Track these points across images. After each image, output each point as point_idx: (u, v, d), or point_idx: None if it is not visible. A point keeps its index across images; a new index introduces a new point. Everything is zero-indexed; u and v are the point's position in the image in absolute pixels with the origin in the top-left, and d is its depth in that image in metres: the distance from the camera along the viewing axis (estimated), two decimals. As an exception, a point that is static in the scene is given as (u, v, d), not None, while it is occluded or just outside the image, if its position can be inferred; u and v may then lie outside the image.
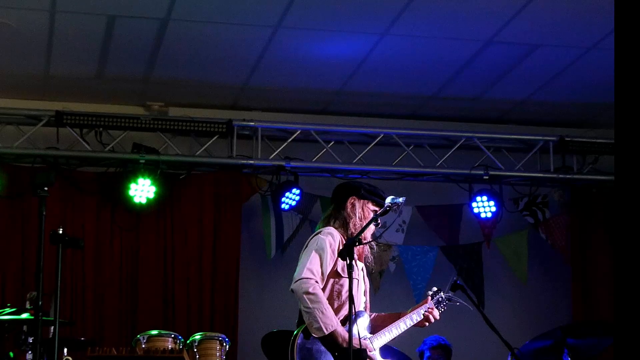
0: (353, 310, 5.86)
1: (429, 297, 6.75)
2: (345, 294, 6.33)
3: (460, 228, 10.65)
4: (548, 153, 10.65)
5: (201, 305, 9.85)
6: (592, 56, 9.17)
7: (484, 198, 10.37)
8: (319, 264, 6.26)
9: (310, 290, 6.13)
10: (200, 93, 10.09)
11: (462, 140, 10.53)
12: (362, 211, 6.53)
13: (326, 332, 6.09)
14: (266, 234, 10.20)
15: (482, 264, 10.57)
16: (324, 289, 6.27)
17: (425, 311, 6.62)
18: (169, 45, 8.91)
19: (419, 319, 6.61)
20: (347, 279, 6.29)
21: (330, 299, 6.26)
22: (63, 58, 9.19)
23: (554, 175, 10.66)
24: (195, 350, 7.56)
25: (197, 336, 7.67)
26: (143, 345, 7.46)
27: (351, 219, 6.48)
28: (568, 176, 10.67)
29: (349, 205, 6.53)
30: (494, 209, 10.39)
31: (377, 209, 6.52)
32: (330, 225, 6.49)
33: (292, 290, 6.23)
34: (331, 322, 6.12)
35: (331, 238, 6.35)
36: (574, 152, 10.69)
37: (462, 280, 7.64)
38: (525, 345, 7.91)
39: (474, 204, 10.41)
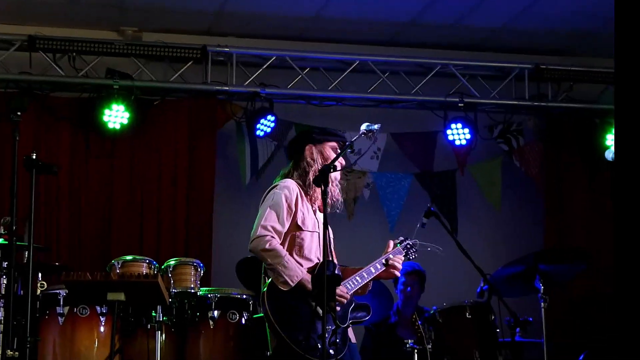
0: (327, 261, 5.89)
1: (390, 243, 6.74)
2: (307, 248, 6.34)
3: (435, 155, 10.67)
4: (523, 81, 10.66)
5: (176, 231, 9.88)
6: (569, -17, 9.15)
7: (459, 125, 10.39)
8: (275, 219, 6.22)
9: (267, 247, 6.12)
10: (174, 18, 10.01)
11: (438, 68, 10.51)
12: (322, 154, 6.49)
13: (293, 284, 6.10)
14: (241, 160, 10.20)
15: (456, 191, 10.62)
16: (284, 243, 6.25)
17: (387, 259, 6.61)
18: (142, -31, 8.84)
19: (380, 269, 6.56)
20: (309, 232, 6.31)
21: (291, 253, 6.26)
22: (35, -19, 9.10)
23: (529, 103, 10.68)
24: (169, 275, 7.59)
25: (172, 261, 7.69)
26: (117, 270, 7.48)
27: (312, 166, 6.43)
28: (543, 104, 10.70)
29: (307, 153, 6.48)
30: (468, 136, 10.41)
31: (336, 145, 6.50)
32: (289, 175, 6.45)
33: (250, 250, 6.23)
34: (295, 272, 6.12)
35: (287, 191, 6.30)
36: (549, 79, 10.69)
37: (436, 207, 7.66)
38: (497, 271, 7.97)
39: (448, 132, 10.42)
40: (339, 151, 6.46)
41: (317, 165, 6.41)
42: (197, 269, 7.69)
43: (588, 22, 10.15)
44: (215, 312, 7.54)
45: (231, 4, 9.62)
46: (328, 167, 6.06)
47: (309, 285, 6.15)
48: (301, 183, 6.42)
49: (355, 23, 10.19)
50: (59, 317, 7.36)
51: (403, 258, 6.73)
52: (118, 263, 7.56)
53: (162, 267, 7.67)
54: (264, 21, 10.13)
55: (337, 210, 6.51)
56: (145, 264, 7.60)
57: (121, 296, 6.57)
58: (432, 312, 7.97)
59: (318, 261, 6.34)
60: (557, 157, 10.84)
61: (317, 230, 6.39)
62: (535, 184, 10.81)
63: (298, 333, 6.08)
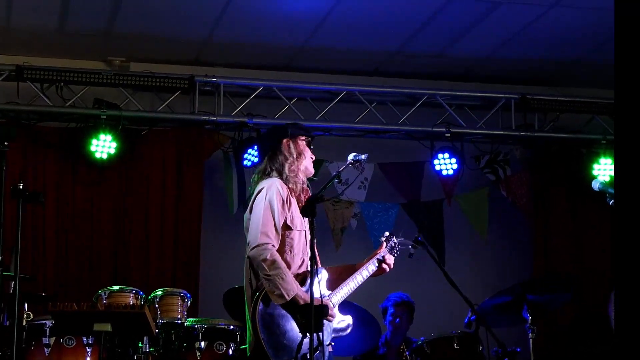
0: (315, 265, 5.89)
1: (383, 244, 6.77)
2: (296, 246, 6.32)
3: (422, 185, 10.69)
4: (510, 111, 10.69)
5: (163, 261, 9.85)
6: (555, 13, 9.19)
7: (446, 155, 10.41)
8: (272, 225, 6.17)
9: (269, 257, 6.06)
10: (162, 48, 10.03)
11: (425, 98, 10.54)
12: (297, 148, 6.49)
13: (288, 299, 6.05)
14: (228, 190, 10.19)
15: (444, 221, 10.63)
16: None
17: (378, 258, 6.63)
18: (130, -1, 8.85)
19: (374, 269, 6.63)
20: (297, 231, 6.30)
21: (282, 253, 6.22)
22: (24, 11, 9.10)
23: (516, 133, 10.70)
24: (156, 305, 7.58)
25: (159, 292, 7.69)
26: (104, 301, 7.47)
27: (288, 159, 6.40)
28: (529, 134, 10.72)
29: (284, 147, 6.45)
30: (455, 166, 10.43)
31: (305, 139, 6.51)
32: (268, 177, 6.40)
33: (249, 257, 6.15)
34: (291, 287, 6.08)
35: (279, 194, 6.26)
36: (535, 109, 10.73)
37: (423, 237, 7.67)
38: (485, 301, 7.97)
39: (435, 161, 10.44)
40: (308, 147, 6.49)
41: (293, 159, 6.40)
42: (184, 300, 7.68)
43: (574, 52, 10.20)
44: (202, 343, 7.53)
45: (218, 34, 9.64)
46: (315, 198, 6.06)
47: (302, 302, 6.09)
48: (287, 181, 6.39)
49: (342, 53, 10.22)
50: (45, 348, 7.33)
51: (393, 257, 6.75)
52: (105, 293, 7.55)
53: (149, 297, 7.66)
54: (252, 51, 10.16)
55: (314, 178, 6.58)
56: (132, 295, 7.59)
57: (108, 327, 6.54)
58: (419, 342, 7.97)
59: (304, 261, 6.32)
60: (544, 187, 10.87)
61: (303, 228, 6.37)
62: (522, 214, 10.82)
63: (281, 350, 6.05)
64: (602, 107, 10.65)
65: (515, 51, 10.15)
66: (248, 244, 6.17)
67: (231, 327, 7.70)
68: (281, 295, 6.05)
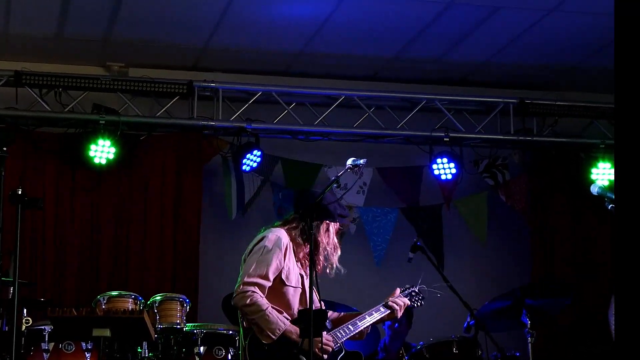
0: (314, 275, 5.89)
1: (397, 291, 6.74)
2: (289, 302, 6.33)
3: (421, 190, 10.68)
4: (508, 115, 10.70)
5: (162, 266, 9.84)
6: (554, 18, 9.19)
7: (445, 160, 10.41)
8: (261, 274, 6.20)
9: (248, 302, 6.12)
10: (160, 54, 10.03)
11: (423, 102, 10.55)
12: (329, 232, 6.50)
13: (275, 337, 6.09)
14: (227, 195, 10.19)
15: (442, 225, 10.63)
16: (270, 294, 6.23)
17: (389, 302, 6.61)
18: (129, 4, 8.84)
19: (385, 312, 6.60)
20: (292, 288, 6.30)
21: (280, 305, 6.26)
22: (22, 17, 9.10)
23: (514, 138, 10.71)
24: (155, 311, 7.57)
25: (158, 297, 7.68)
26: (103, 306, 7.47)
27: (321, 243, 6.42)
28: (528, 138, 10.72)
29: (322, 229, 6.44)
30: (454, 170, 10.43)
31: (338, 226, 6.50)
32: (284, 227, 6.42)
33: (233, 305, 6.23)
34: (277, 325, 6.11)
35: (277, 246, 6.28)
36: (534, 114, 10.73)
37: (422, 241, 7.67)
38: (484, 305, 7.97)
39: (434, 166, 10.44)
40: (339, 232, 6.49)
41: (327, 242, 6.44)
42: (183, 305, 7.68)
43: (572, 56, 10.21)
44: (202, 348, 7.52)
45: (217, 39, 9.65)
46: (316, 202, 6.06)
47: (294, 336, 6.11)
48: (294, 236, 6.39)
49: (341, 58, 10.22)
50: (44, 354, 7.34)
51: (408, 302, 6.71)
52: (104, 299, 7.55)
53: (148, 302, 7.66)
54: (250, 56, 10.16)
55: (328, 272, 6.53)
56: (131, 300, 7.59)
57: (107, 332, 6.54)
58: (419, 347, 7.96)
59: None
60: (542, 191, 10.86)
61: (299, 286, 6.40)
62: (521, 218, 10.82)
63: None
64: (601, 111, 10.66)
65: (514, 56, 10.15)
66: (234, 291, 6.25)
67: (230, 332, 7.70)
68: (268, 336, 6.11)
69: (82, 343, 7.35)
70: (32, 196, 6.40)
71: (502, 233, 10.94)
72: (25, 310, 7.47)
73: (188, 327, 7.63)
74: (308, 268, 6.24)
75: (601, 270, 10.60)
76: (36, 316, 7.61)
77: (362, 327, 6.53)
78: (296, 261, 6.41)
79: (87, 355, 7.35)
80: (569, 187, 10.81)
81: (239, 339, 7.50)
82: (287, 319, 6.20)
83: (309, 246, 6.25)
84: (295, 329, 6.10)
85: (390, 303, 6.62)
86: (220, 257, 10.13)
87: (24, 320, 7.38)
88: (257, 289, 6.16)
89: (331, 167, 10.23)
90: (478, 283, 10.45)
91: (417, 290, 6.84)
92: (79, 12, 9.01)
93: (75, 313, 6.58)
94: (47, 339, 7.34)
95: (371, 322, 6.58)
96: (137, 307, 7.49)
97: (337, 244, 6.54)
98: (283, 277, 6.28)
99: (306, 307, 6.17)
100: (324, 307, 6.39)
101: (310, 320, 5.80)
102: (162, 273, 9.82)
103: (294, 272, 6.36)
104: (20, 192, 6.26)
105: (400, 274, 9.42)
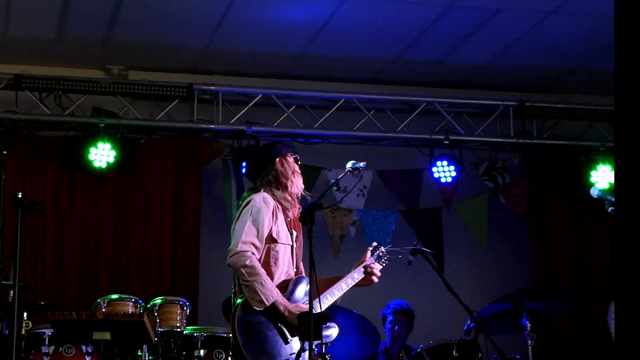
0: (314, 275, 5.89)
1: (368, 252, 6.75)
2: (281, 259, 6.35)
3: (421, 192, 10.68)
4: (508, 118, 10.70)
5: (162, 270, 9.84)
6: (553, 21, 9.19)
7: (444, 163, 10.42)
8: (255, 235, 6.24)
9: (247, 263, 6.13)
10: (160, 57, 10.03)
11: (423, 105, 10.55)
12: (290, 166, 6.53)
13: (267, 304, 6.10)
14: (227, 198, 10.19)
15: (442, 228, 10.63)
16: (260, 256, 6.27)
17: (365, 266, 6.62)
18: (128, 7, 8.85)
19: (360, 277, 6.61)
20: (283, 245, 6.33)
21: (267, 265, 6.27)
22: (22, 20, 9.10)
23: (514, 140, 10.71)
24: (155, 314, 7.57)
25: (158, 300, 7.68)
26: (103, 310, 7.46)
27: (281, 176, 6.47)
28: (528, 141, 10.72)
29: (278, 165, 6.50)
30: (454, 173, 10.44)
31: (295, 157, 6.53)
32: (257, 192, 6.45)
33: (228, 265, 6.23)
34: (271, 293, 6.13)
35: (265, 206, 6.31)
36: (533, 117, 10.74)
37: (422, 244, 7.66)
38: (484, 308, 7.96)
39: (434, 169, 10.45)
40: (297, 162, 6.51)
41: (287, 176, 6.47)
42: (183, 308, 7.67)
43: (572, 59, 10.21)
44: (202, 352, 7.52)
45: (217, 42, 9.65)
46: (314, 206, 6.06)
47: (281, 308, 6.15)
48: (276, 195, 6.43)
49: (341, 61, 10.23)
50: (44, 357, 7.33)
51: (380, 266, 6.72)
52: (104, 302, 7.55)
53: (148, 305, 7.65)
54: (250, 59, 10.16)
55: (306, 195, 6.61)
56: (131, 303, 7.59)
57: (107, 335, 6.53)
58: (419, 350, 7.95)
59: (289, 274, 6.39)
60: (542, 194, 10.86)
61: (289, 242, 6.42)
62: (521, 221, 10.82)
63: (261, 355, 6.06)
64: (601, 114, 10.66)
65: (514, 59, 10.15)
66: (229, 251, 6.25)
67: (230, 335, 7.68)
68: (261, 301, 6.11)
69: (83, 346, 7.35)
70: (32, 199, 6.40)
71: (502, 235, 10.94)
72: (25, 314, 7.46)
73: (188, 330, 7.62)
74: (297, 230, 6.46)
75: (601, 272, 10.60)
76: (36, 319, 7.61)
77: (344, 291, 6.53)
78: (285, 219, 6.43)
79: (87, 358, 7.34)
80: (569, 189, 10.81)
81: None
82: (279, 291, 6.21)
83: (294, 204, 6.43)
84: (284, 302, 6.16)
85: (371, 270, 6.60)
86: (220, 260, 10.05)
87: (24, 324, 7.38)
88: (254, 250, 6.20)
89: (331, 170, 10.23)
90: (478, 286, 10.45)
91: (384, 251, 6.82)
92: (79, 15, 9.01)
93: (76, 316, 6.57)
94: (47, 343, 7.34)
95: (352, 285, 6.57)
96: (137, 310, 7.49)
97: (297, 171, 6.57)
98: (274, 235, 6.32)
99: (294, 265, 6.37)
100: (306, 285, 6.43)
101: (310, 323, 5.81)
102: (162, 276, 9.82)
103: (283, 230, 6.39)
104: (20, 196, 6.25)
105: (400, 276, 9.43)
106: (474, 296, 8.83)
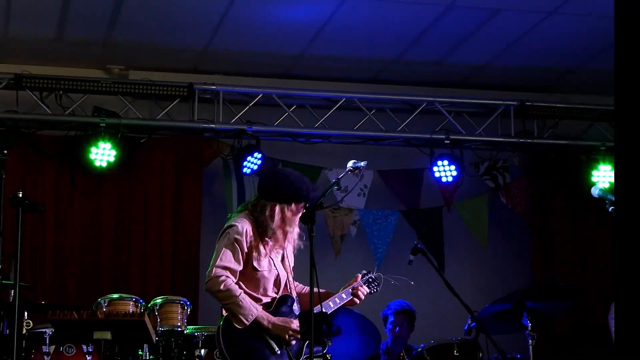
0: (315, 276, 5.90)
1: (359, 276, 6.73)
2: (262, 286, 6.34)
3: (421, 192, 10.68)
4: (509, 117, 10.70)
5: (162, 269, 9.84)
6: (553, 21, 9.19)
7: (445, 162, 10.41)
8: (231, 258, 6.22)
9: (222, 287, 6.12)
10: (161, 56, 10.03)
11: (424, 105, 10.55)
12: (282, 214, 6.40)
13: (247, 323, 6.14)
14: (228, 197, 10.19)
15: (443, 228, 10.62)
16: (240, 281, 6.24)
17: (353, 288, 6.61)
18: (129, 7, 8.85)
19: (347, 298, 6.59)
20: (266, 272, 6.30)
21: (252, 290, 6.28)
22: (22, 20, 9.11)
23: (515, 140, 10.71)
24: (156, 313, 7.57)
25: (159, 299, 7.68)
26: (104, 309, 7.46)
27: (269, 224, 6.35)
28: (528, 140, 10.72)
29: (269, 209, 6.37)
30: (454, 173, 10.43)
31: (300, 206, 6.45)
32: (247, 213, 6.40)
33: (206, 290, 6.22)
34: (250, 311, 6.14)
35: (243, 231, 6.26)
36: (534, 116, 10.74)
37: (422, 244, 7.66)
38: (485, 308, 7.97)
39: (435, 168, 10.45)
40: (299, 211, 6.43)
41: (274, 225, 6.34)
42: (184, 307, 7.68)
43: (572, 59, 10.21)
44: (202, 351, 7.51)
45: (217, 42, 9.65)
46: (315, 206, 6.06)
47: (265, 322, 6.18)
48: (256, 225, 6.37)
49: (341, 61, 10.23)
50: (45, 357, 7.32)
51: (367, 290, 6.70)
52: (104, 301, 7.55)
53: (149, 305, 7.65)
54: (250, 59, 10.16)
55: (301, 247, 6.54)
56: (131, 302, 7.59)
57: (107, 335, 6.53)
58: (419, 350, 7.96)
59: (275, 296, 6.39)
60: (543, 194, 10.86)
61: (273, 268, 6.39)
62: (522, 221, 10.82)
63: None
64: (601, 113, 10.66)
65: (514, 58, 10.15)
66: (205, 276, 6.25)
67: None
68: (240, 321, 6.15)
69: (83, 346, 7.34)
70: (32, 199, 6.41)
71: (502, 235, 10.93)
72: (26, 313, 7.45)
73: (189, 329, 7.62)
74: (280, 250, 6.42)
75: (602, 272, 10.60)
76: (37, 319, 7.60)
77: (333, 308, 6.52)
78: (263, 245, 6.38)
79: (88, 358, 7.33)
80: (570, 189, 10.81)
81: None
82: (259, 307, 6.21)
83: (271, 230, 6.33)
84: (267, 316, 6.19)
85: (357, 292, 6.60)
86: (220, 260, 10.10)
87: (24, 323, 7.37)
88: (229, 274, 6.19)
89: (332, 169, 10.23)
90: (479, 285, 10.45)
91: (374, 277, 6.81)
92: (79, 15, 9.01)
93: (76, 316, 6.57)
94: (48, 342, 7.33)
95: (339, 304, 6.56)
96: (138, 310, 7.49)
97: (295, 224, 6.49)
98: (255, 264, 6.30)
99: (282, 289, 6.36)
100: (294, 297, 6.46)
101: (311, 322, 5.82)
102: (162, 276, 9.82)
103: (264, 259, 6.35)
104: (20, 195, 6.26)
105: (400, 276, 9.41)
106: (475, 296, 8.85)
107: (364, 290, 6.64)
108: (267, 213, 6.38)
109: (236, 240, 6.25)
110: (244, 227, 6.32)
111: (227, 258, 6.23)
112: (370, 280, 6.76)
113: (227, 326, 6.17)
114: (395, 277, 6.99)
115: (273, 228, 6.36)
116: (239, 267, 6.25)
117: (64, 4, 8.76)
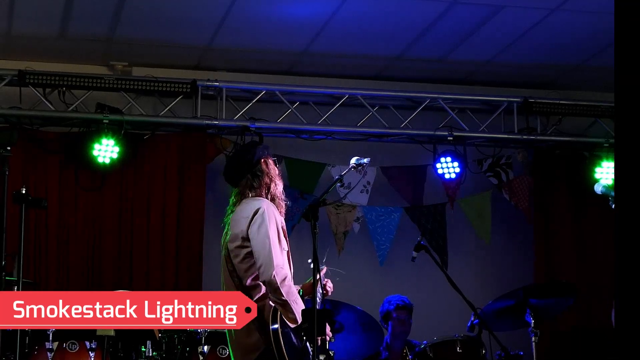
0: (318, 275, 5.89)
1: (324, 269, 6.67)
2: (286, 262, 6.30)
3: (424, 189, 10.68)
4: (512, 114, 10.69)
5: (165, 267, 9.84)
6: (557, 17, 9.18)
7: (448, 159, 10.42)
8: (278, 244, 6.09)
9: (286, 282, 5.95)
10: (164, 53, 10.03)
11: (427, 102, 10.54)
12: (274, 169, 6.43)
13: (300, 321, 5.96)
14: (230, 194, 10.17)
15: (446, 224, 10.61)
16: None
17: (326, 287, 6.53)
18: (132, 4, 8.84)
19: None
20: (285, 252, 6.25)
21: None
22: (26, 17, 9.10)
23: (518, 137, 10.70)
24: (159, 310, 7.57)
25: (162, 296, 7.67)
26: (107, 306, 7.46)
27: (271, 181, 6.35)
28: (532, 137, 10.71)
29: (264, 168, 6.38)
30: (458, 169, 10.43)
31: (273, 159, 6.47)
32: (258, 198, 6.31)
33: (264, 282, 6.00)
34: (301, 309, 6.03)
35: (274, 212, 6.20)
36: (537, 113, 10.72)
37: (425, 241, 7.67)
38: (488, 305, 7.97)
39: (438, 165, 10.45)
40: (276, 165, 6.45)
41: (274, 180, 6.37)
42: (187, 304, 7.66)
43: (576, 55, 10.20)
44: (205, 347, 7.52)
45: (220, 38, 9.65)
46: (318, 202, 6.06)
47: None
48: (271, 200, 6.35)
49: (344, 57, 10.22)
50: (48, 353, 7.34)
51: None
52: (107, 298, 7.53)
53: (152, 301, 7.64)
54: (254, 56, 10.16)
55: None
56: (134, 299, 7.57)
57: (111, 331, 6.54)
58: (422, 346, 7.97)
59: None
60: (546, 190, 10.86)
61: (286, 248, 6.33)
62: (525, 217, 10.81)
63: None
64: (605, 110, 10.65)
65: (517, 55, 10.14)
66: (260, 266, 6.00)
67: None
68: (295, 319, 5.97)
69: (86, 342, 7.35)
70: (35, 195, 6.42)
71: (505, 232, 10.93)
72: (29, 310, 7.46)
73: (192, 326, 7.63)
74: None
75: (605, 269, 10.59)
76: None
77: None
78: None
79: (91, 354, 7.35)
80: (573, 186, 10.80)
81: None
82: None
83: (281, 205, 6.33)
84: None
85: (327, 289, 6.53)
86: (223, 257, 10.10)
87: (27, 320, 7.37)
88: (283, 265, 6.05)
89: (335, 166, 10.23)
90: (482, 282, 10.46)
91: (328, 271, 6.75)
92: (83, 12, 9.00)
93: (79, 312, 6.57)
94: (51, 339, 7.34)
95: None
96: (141, 307, 7.48)
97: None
98: (284, 243, 6.24)
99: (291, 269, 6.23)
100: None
101: (314, 320, 5.81)
102: (165, 272, 9.82)
103: (282, 237, 6.29)
104: (24, 192, 6.27)
105: (403, 273, 9.44)
106: (478, 292, 8.85)
107: (331, 286, 6.57)
108: (265, 175, 6.35)
109: (275, 222, 6.13)
110: (270, 205, 6.23)
111: (277, 245, 6.06)
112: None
113: (279, 325, 5.95)
114: (331, 269, 6.92)
115: (274, 180, 6.35)
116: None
117: (67, 0, 8.76)
